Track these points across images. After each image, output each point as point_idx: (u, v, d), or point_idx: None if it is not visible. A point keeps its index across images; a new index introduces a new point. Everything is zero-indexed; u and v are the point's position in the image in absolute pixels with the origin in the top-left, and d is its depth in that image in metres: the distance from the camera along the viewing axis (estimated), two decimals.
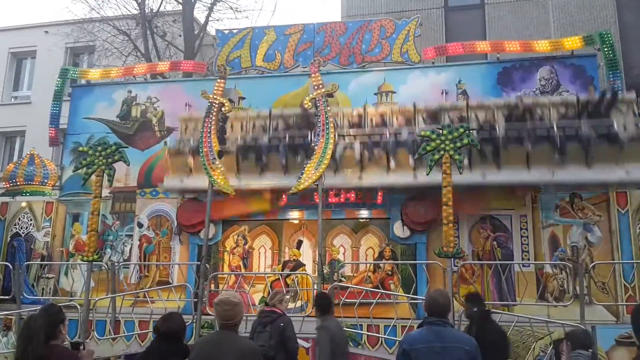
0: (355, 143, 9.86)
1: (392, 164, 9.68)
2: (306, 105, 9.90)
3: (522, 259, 9.73)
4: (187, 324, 7.08)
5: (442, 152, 8.41)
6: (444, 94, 11.12)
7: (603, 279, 9.31)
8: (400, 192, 10.02)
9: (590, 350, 4.60)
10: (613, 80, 10.62)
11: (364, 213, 10.65)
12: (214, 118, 9.96)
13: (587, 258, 9.49)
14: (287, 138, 10.06)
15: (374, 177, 9.79)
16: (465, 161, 9.01)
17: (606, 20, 14.72)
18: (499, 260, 9.75)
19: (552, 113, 9.66)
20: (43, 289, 11.37)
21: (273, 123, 10.49)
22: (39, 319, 4.01)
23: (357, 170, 9.79)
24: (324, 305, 6.75)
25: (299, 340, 6.81)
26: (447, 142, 8.44)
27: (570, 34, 11.83)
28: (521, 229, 9.91)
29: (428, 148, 8.54)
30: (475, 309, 6.44)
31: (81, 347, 4.20)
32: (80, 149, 10.15)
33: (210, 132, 9.84)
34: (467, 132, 8.46)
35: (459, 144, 8.44)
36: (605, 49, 10.73)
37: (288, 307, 8.55)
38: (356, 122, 10.30)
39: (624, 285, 9.26)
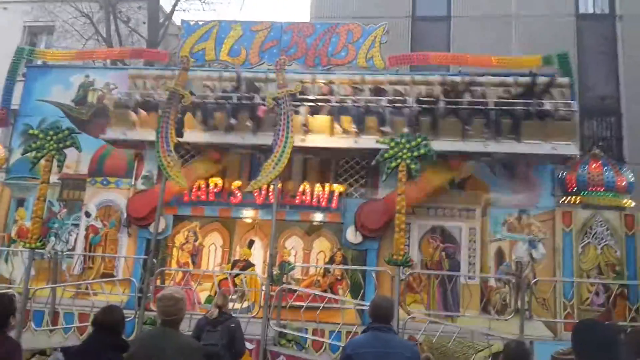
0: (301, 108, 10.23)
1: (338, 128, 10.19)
2: (268, 104, 9.84)
3: (469, 271, 9.93)
4: (129, 319, 6.97)
5: (399, 160, 8.51)
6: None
7: (544, 295, 9.60)
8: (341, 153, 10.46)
9: None
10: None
11: (319, 216, 10.66)
12: (172, 110, 9.76)
13: (530, 274, 9.77)
14: None
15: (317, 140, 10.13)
16: (405, 129, 9.66)
17: (566, 41, 15.17)
18: (447, 271, 9.92)
19: (491, 92, 10.30)
20: None
21: None
22: None
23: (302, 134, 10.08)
24: None
25: None
26: (404, 150, 8.54)
27: (531, 53, 12.14)
28: (470, 241, 10.12)
29: (386, 155, 8.62)
30: None
31: None
32: (31, 131, 9.81)
33: (168, 123, 9.65)
34: (425, 142, 8.59)
35: (415, 153, 8.55)
36: (562, 70, 11.05)
37: (235, 307, 8.58)
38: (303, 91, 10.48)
39: (563, 302, 9.57)
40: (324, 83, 10.80)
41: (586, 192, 10.38)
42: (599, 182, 10.37)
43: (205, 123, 10.42)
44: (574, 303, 9.53)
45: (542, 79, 10.22)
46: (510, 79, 10.41)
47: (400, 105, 10.13)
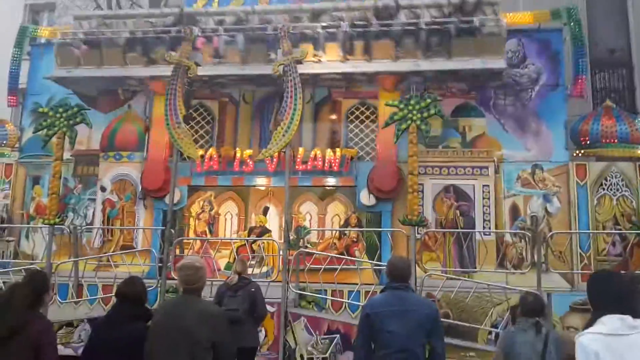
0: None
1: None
2: (274, 72, 9.76)
3: (484, 228, 9.96)
4: (151, 288, 7.11)
5: (409, 122, 8.47)
6: None
7: (560, 248, 9.63)
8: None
9: (537, 318, 4.65)
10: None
11: (331, 181, 10.69)
12: (179, 81, 9.73)
13: (545, 227, 9.77)
14: None
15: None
16: (340, 52, 10.02)
17: None
18: (461, 229, 9.96)
19: (424, 13, 10.35)
20: (3, 252, 11.13)
21: None
22: (24, 287, 3.99)
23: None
24: None
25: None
26: (414, 112, 8.49)
27: (538, 8, 11.88)
28: (483, 198, 10.12)
29: (395, 117, 8.59)
30: None
31: None
32: (41, 109, 9.86)
33: (175, 95, 9.63)
34: (434, 102, 8.53)
35: (425, 114, 8.51)
36: (571, 24, 10.84)
37: (254, 272, 8.73)
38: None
39: (580, 254, 9.61)
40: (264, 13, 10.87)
41: (600, 144, 10.31)
42: (613, 134, 10.28)
43: (147, 57, 10.64)
44: (590, 254, 9.56)
45: None
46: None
47: (334, 30, 10.22)
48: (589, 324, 3.29)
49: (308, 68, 10.02)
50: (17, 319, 3.78)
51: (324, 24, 10.26)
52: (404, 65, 10.03)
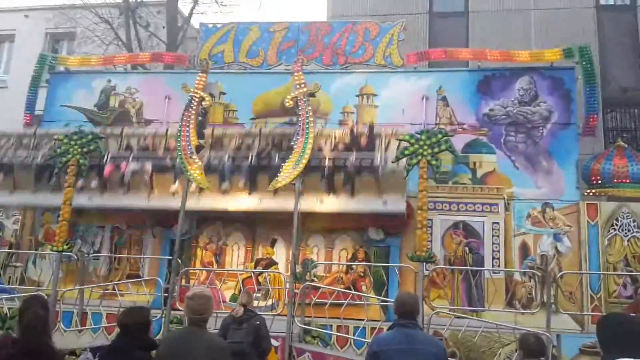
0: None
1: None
2: (287, 104, 9.88)
3: (493, 266, 9.85)
4: (156, 318, 7.07)
5: (419, 157, 8.49)
6: (424, 99, 11.21)
7: (570, 289, 9.48)
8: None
9: (542, 358, 4.59)
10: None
11: None
12: (193, 112, 9.86)
13: (555, 267, 9.65)
14: None
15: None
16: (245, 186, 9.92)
17: (586, 34, 14.95)
18: (470, 266, 9.86)
19: (329, 145, 10.07)
20: (10, 277, 11.15)
21: None
22: (42, 310, 4.05)
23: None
24: None
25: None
26: (425, 147, 8.52)
27: (550, 46, 11.99)
28: (493, 235, 10.03)
29: (406, 152, 8.62)
30: None
31: None
32: (56, 137, 10.00)
33: (189, 126, 9.75)
34: (446, 137, 8.56)
35: (436, 150, 8.53)
36: (584, 63, 10.91)
37: (259, 305, 8.67)
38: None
39: (590, 295, 9.45)
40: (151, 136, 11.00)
41: (611, 184, 10.25)
42: (624, 174, 10.24)
43: (58, 183, 10.46)
44: (601, 296, 9.39)
45: (362, 130, 10.14)
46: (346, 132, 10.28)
47: (240, 163, 10.18)
48: None
49: (219, 202, 10.10)
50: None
51: (229, 156, 10.23)
52: (308, 203, 9.66)
